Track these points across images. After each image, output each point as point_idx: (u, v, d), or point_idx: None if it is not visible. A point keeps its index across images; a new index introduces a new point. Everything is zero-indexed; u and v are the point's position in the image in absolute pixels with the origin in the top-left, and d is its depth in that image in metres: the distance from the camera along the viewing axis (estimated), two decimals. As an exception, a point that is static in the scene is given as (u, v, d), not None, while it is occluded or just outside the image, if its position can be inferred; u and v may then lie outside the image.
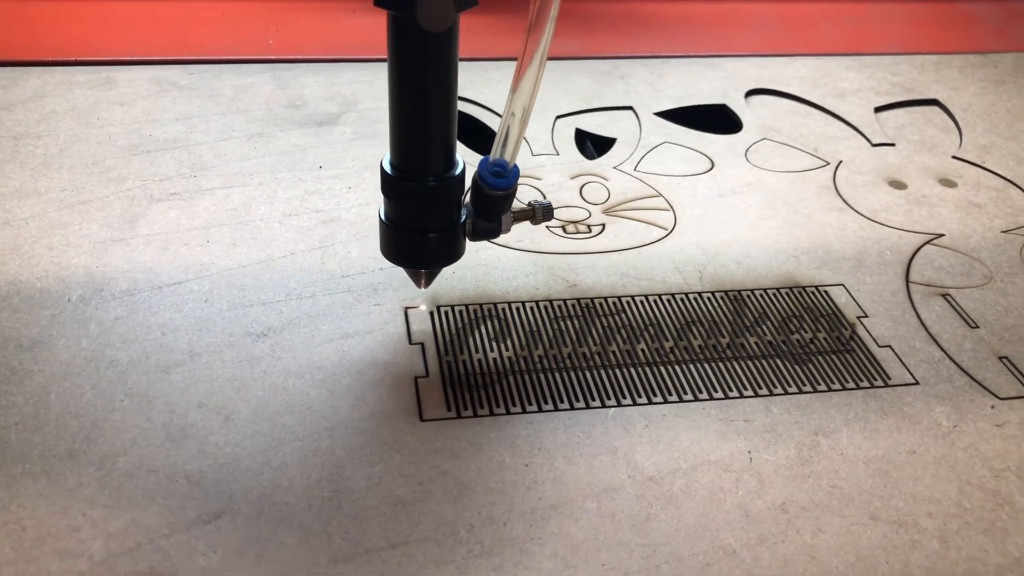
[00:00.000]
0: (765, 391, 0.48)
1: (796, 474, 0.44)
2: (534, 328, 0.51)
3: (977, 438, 0.47)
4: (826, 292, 0.56)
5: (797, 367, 0.50)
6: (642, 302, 0.54)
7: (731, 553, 0.40)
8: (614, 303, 0.54)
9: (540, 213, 0.47)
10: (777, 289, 0.56)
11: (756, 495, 0.43)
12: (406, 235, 0.44)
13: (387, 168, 0.43)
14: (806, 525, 0.41)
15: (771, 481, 0.43)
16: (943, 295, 0.56)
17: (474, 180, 0.44)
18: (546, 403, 0.47)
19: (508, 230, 0.46)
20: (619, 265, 0.57)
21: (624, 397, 0.47)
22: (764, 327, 0.53)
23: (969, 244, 0.61)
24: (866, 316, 0.54)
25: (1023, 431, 0.47)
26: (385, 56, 0.41)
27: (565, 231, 0.60)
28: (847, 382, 0.49)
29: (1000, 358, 0.52)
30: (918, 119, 0.77)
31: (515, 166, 0.43)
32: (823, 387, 0.49)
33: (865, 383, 0.50)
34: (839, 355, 0.51)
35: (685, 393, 0.48)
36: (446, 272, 0.54)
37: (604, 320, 0.52)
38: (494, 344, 0.50)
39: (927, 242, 0.61)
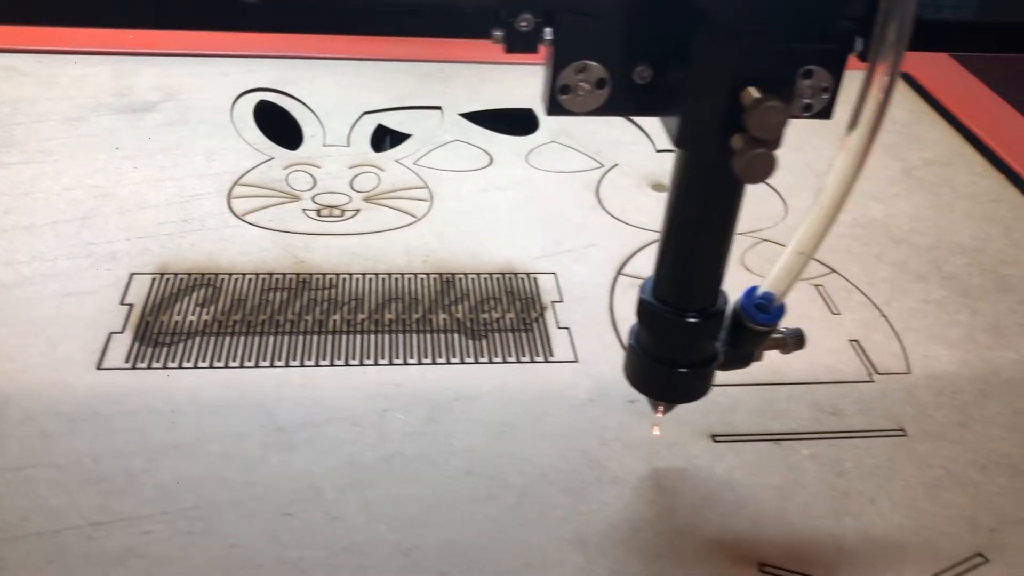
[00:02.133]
0: (429, 360, 0.53)
1: (417, 432, 0.48)
2: (242, 297, 0.57)
3: (606, 412, 0.51)
4: (535, 279, 0.60)
5: (471, 341, 0.55)
6: (357, 280, 0.59)
7: (319, 493, 0.45)
8: (330, 279, 0.59)
9: (792, 342, 0.44)
10: (490, 274, 0.60)
11: (370, 447, 0.47)
12: (661, 368, 0.42)
13: (649, 297, 0.41)
14: (403, 473, 0.46)
15: (391, 437, 0.48)
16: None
17: (735, 311, 0.41)
18: (219, 361, 0.52)
19: (760, 359, 0.44)
20: (353, 247, 0.62)
21: (294, 360, 0.52)
22: (459, 306, 0.58)
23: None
24: (561, 301, 0.59)
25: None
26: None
27: (319, 215, 0.65)
28: (510, 356, 0.54)
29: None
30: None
31: (782, 304, 0.41)
32: (485, 359, 0.54)
33: (527, 358, 0.54)
34: (517, 333, 0.56)
35: (353, 358, 0.53)
36: (182, 243, 0.59)
37: (313, 293, 0.57)
38: (197, 309, 0.55)
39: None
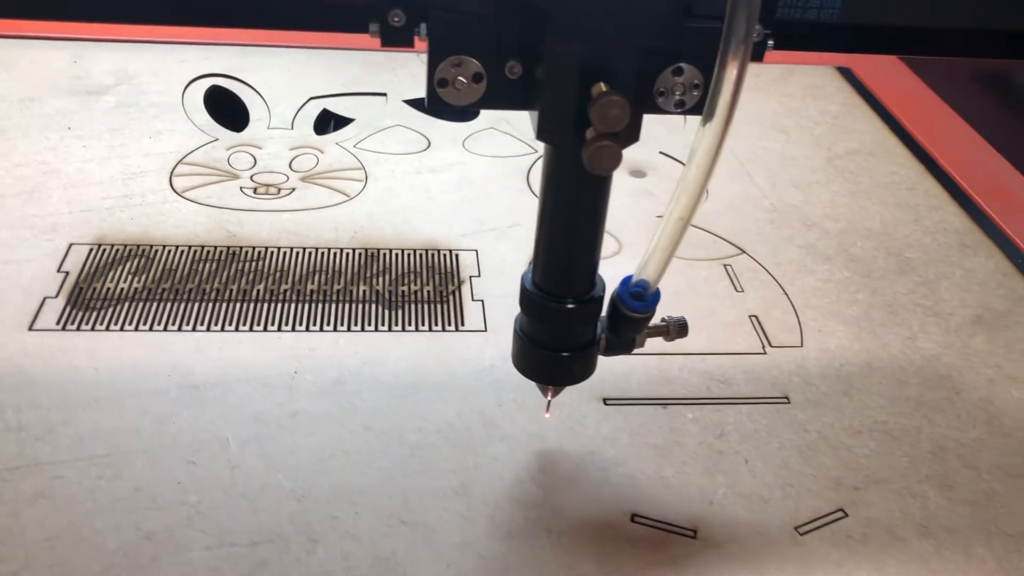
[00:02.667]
0: (344, 328, 0.56)
1: (324, 391, 0.52)
2: (173, 267, 0.60)
3: (506, 376, 0.54)
4: (457, 255, 0.64)
5: (388, 311, 0.58)
6: (285, 253, 0.62)
7: (223, 444, 0.48)
8: (259, 252, 0.62)
9: (675, 330, 0.46)
10: (414, 250, 0.64)
11: (277, 405, 0.51)
12: (543, 353, 0.44)
13: (529, 287, 0.42)
14: (304, 429, 0.49)
15: (298, 396, 0.51)
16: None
17: (612, 299, 0.43)
18: (144, 325, 0.55)
19: (642, 345, 0.45)
20: (284, 223, 0.65)
21: (215, 325, 0.56)
22: (380, 279, 0.61)
23: (618, 224, 0.68)
24: (479, 276, 0.62)
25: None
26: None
27: (256, 192, 0.68)
28: (423, 325, 0.57)
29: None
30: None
31: (657, 289, 0.42)
32: (399, 328, 0.57)
33: (439, 328, 0.57)
34: (433, 304, 0.59)
35: (272, 325, 0.56)
36: (122, 216, 0.63)
37: (241, 265, 0.61)
38: (129, 277, 0.59)
39: (580, 220, 0.69)
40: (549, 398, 0.47)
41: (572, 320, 0.42)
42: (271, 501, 0.45)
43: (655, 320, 0.44)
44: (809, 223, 0.70)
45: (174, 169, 0.70)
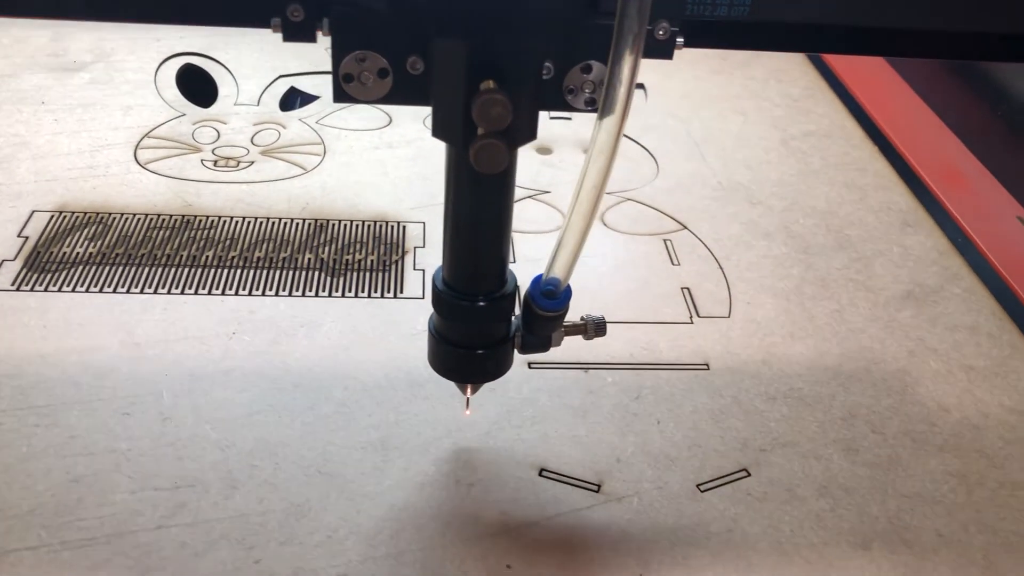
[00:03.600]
0: (286, 293, 0.59)
1: (259, 351, 0.54)
2: (128, 234, 0.63)
3: (437, 340, 0.56)
4: (404, 227, 0.66)
5: (330, 278, 0.61)
6: (237, 222, 0.65)
7: (157, 397, 0.50)
8: (212, 221, 0.65)
9: (592, 329, 0.46)
10: (362, 221, 0.66)
11: (212, 362, 0.53)
12: (456, 351, 0.44)
13: (439, 285, 0.42)
14: (237, 385, 0.52)
15: (234, 355, 0.54)
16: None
17: (525, 298, 0.42)
18: (95, 287, 0.58)
19: (559, 344, 0.45)
20: (240, 193, 0.68)
21: (162, 288, 0.58)
22: (326, 248, 0.63)
23: (557, 197, 0.70)
24: (424, 247, 0.64)
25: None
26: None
27: (216, 165, 0.71)
28: (362, 292, 0.60)
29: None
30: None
31: (568, 286, 0.41)
32: (339, 294, 0.59)
33: (378, 294, 0.60)
34: (375, 272, 0.61)
35: (217, 289, 0.59)
36: (84, 186, 0.65)
37: (193, 232, 0.63)
38: (86, 243, 0.61)
39: (529, 196, 0.71)
40: (468, 395, 0.47)
41: (483, 318, 0.42)
42: (196, 450, 0.48)
43: (575, 318, 0.45)
44: (755, 201, 0.72)
45: (139, 142, 0.72)
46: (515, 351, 0.45)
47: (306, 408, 0.51)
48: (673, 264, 0.65)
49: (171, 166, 0.70)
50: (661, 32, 0.35)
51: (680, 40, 0.36)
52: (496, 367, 0.45)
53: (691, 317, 0.60)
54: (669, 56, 0.36)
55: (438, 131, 0.37)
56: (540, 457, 0.49)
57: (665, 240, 0.67)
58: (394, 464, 0.48)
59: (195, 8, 0.37)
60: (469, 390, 0.47)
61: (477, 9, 0.34)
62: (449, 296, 0.42)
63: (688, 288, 0.62)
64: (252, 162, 0.71)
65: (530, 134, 0.36)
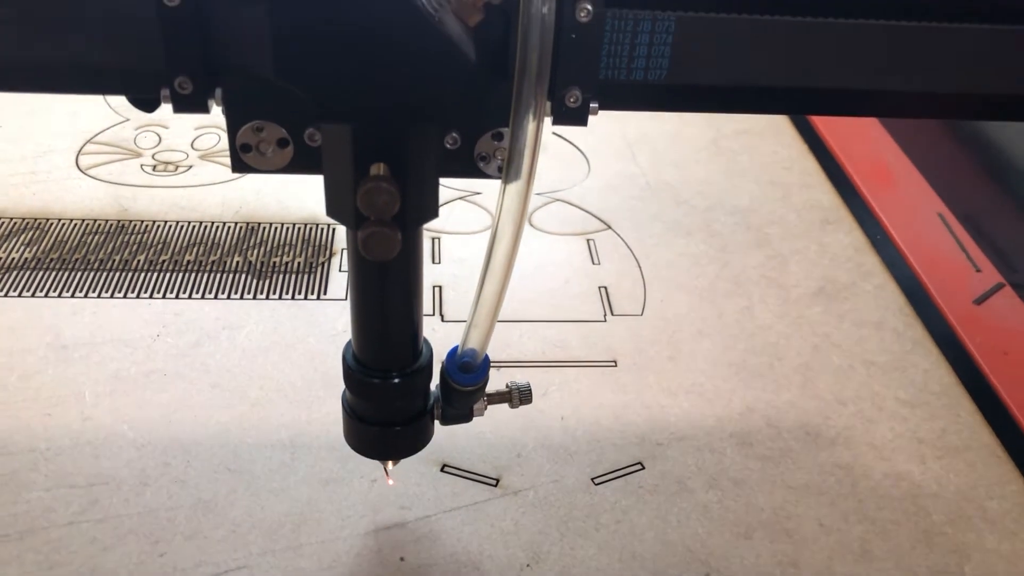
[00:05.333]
0: (212, 296, 0.61)
1: (181, 352, 0.56)
2: (63, 239, 0.65)
3: (355, 340, 0.58)
4: (333, 229, 0.68)
5: (256, 280, 0.63)
6: (170, 227, 0.67)
7: (79, 398, 0.53)
8: (146, 225, 0.67)
9: (517, 397, 0.44)
10: (293, 224, 0.68)
11: (135, 364, 0.55)
12: (371, 429, 0.42)
13: (350, 362, 0.40)
14: (157, 386, 0.54)
15: (157, 356, 0.56)
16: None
17: (441, 373, 0.41)
18: (27, 291, 0.60)
19: (482, 414, 0.43)
20: (176, 198, 0.70)
21: (92, 291, 0.60)
22: (255, 251, 0.65)
23: (487, 199, 0.72)
24: (350, 248, 0.66)
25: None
26: None
27: (155, 170, 0.73)
28: (286, 294, 0.62)
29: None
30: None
31: (486, 356, 0.40)
32: (263, 296, 0.61)
33: (301, 296, 0.62)
34: (301, 275, 0.64)
35: (145, 292, 0.61)
36: (24, 192, 0.68)
37: (127, 237, 0.65)
38: (21, 248, 0.64)
39: (459, 197, 0.73)
40: (389, 468, 0.46)
41: (397, 395, 0.40)
42: (113, 449, 0.50)
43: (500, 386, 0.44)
44: (680, 200, 0.74)
45: (82, 148, 0.74)
46: (435, 423, 0.43)
47: (222, 408, 0.53)
48: (594, 263, 0.67)
49: (111, 171, 0.72)
50: (572, 99, 0.34)
51: (594, 105, 0.34)
52: (414, 442, 0.43)
53: (605, 315, 0.62)
54: (583, 123, 0.34)
55: (331, 211, 0.35)
56: (444, 453, 0.51)
57: (588, 240, 0.69)
58: (301, 461, 0.50)
59: (84, 79, 0.35)
60: (390, 464, 0.45)
61: (362, 96, 0.32)
62: (360, 373, 0.40)
63: (605, 287, 0.65)
64: (190, 167, 0.73)
65: (431, 213, 0.35)
